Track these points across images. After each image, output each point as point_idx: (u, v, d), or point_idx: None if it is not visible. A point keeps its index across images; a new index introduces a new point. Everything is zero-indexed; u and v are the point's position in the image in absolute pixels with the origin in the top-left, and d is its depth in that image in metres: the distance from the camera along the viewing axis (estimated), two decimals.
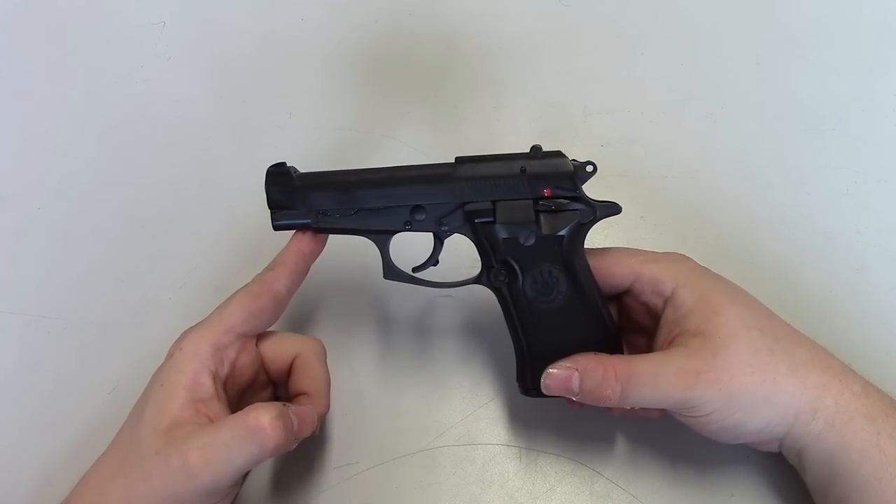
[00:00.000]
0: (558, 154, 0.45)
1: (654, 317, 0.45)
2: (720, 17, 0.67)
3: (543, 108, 0.62)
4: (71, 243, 0.57)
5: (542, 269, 0.44)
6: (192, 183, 0.60)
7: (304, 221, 0.46)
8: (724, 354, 0.40)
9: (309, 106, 0.59)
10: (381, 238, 0.46)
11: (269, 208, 0.46)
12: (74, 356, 0.53)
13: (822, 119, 0.62)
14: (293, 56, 0.66)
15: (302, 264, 0.46)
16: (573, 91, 0.63)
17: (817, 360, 0.42)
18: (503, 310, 0.46)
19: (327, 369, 0.46)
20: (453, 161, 0.46)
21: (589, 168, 0.44)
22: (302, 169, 0.47)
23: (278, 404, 0.40)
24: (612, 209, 0.45)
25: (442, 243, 0.47)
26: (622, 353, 0.45)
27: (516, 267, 0.44)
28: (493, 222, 0.45)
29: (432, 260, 0.47)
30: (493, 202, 0.45)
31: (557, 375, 0.42)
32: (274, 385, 0.47)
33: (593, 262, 0.45)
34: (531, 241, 0.44)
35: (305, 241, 0.46)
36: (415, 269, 0.47)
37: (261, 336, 0.46)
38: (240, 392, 0.45)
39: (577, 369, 0.42)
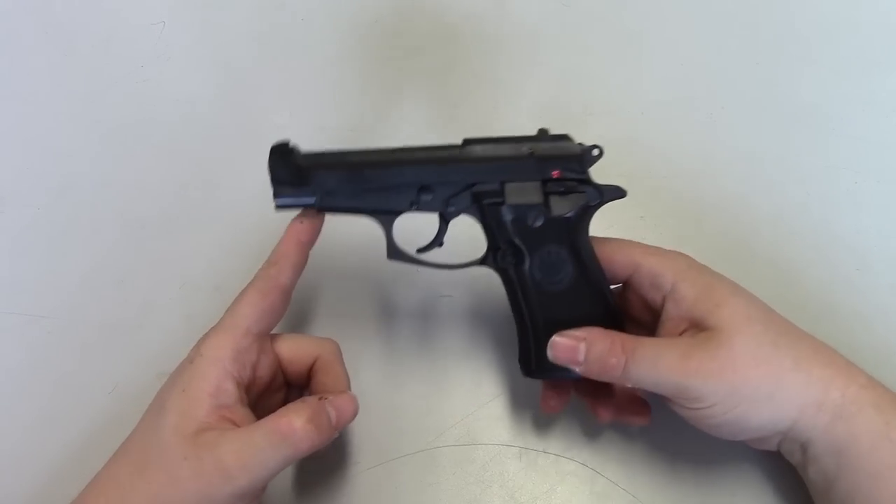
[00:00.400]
0: (565, 137, 0.46)
1: (653, 312, 0.45)
2: (720, 17, 0.67)
3: (544, 108, 0.62)
4: (71, 243, 0.57)
5: (548, 251, 0.44)
6: (192, 183, 0.60)
7: (308, 201, 0.45)
8: (729, 346, 0.40)
9: (309, 106, 0.59)
10: (386, 218, 0.46)
11: (273, 186, 0.45)
12: (74, 356, 0.53)
13: (822, 119, 0.62)
14: (293, 56, 0.66)
15: (302, 255, 0.45)
16: (573, 91, 0.63)
17: (820, 355, 0.42)
18: (507, 291, 0.46)
19: (346, 369, 0.46)
20: (460, 142, 0.46)
21: (595, 152, 0.45)
22: None
23: (313, 401, 0.40)
24: (617, 192, 0.45)
25: (447, 224, 0.47)
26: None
27: (523, 248, 0.45)
28: (502, 203, 0.45)
29: (437, 241, 0.47)
30: (502, 183, 0.45)
31: (564, 344, 0.42)
32: (287, 387, 0.47)
33: (596, 248, 0.45)
34: (539, 223, 0.44)
35: (304, 229, 0.45)
36: (419, 251, 0.47)
37: (277, 338, 0.46)
38: (258, 395, 0.45)
39: (584, 338, 0.42)
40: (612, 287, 0.46)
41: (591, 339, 0.42)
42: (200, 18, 0.68)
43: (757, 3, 0.68)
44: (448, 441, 0.49)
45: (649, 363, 0.40)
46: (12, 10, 0.69)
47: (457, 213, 0.46)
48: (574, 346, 0.42)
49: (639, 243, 0.46)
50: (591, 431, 0.49)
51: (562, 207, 0.44)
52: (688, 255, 0.45)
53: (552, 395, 0.47)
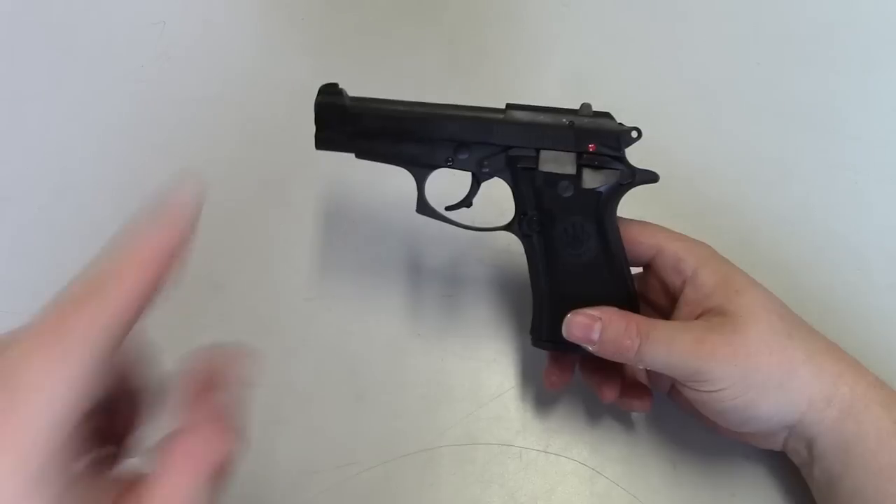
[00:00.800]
0: (607, 115, 0.46)
1: (670, 296, 0.46)
2: (720, 17, 0.67)
3: None
4: (71, 243, 0.57)
5: (574, 223, 0.45)
6: (192, 183, 0.60)
7: (348, 143, 0.46)
8: (744, 332, 0.40)
9: (309, 105, 0.58)
10: (421, 172, 0.47)
11: (316, 125, 0.46)
12: None
13: (822, 119, 0.62)
14: (293, 56, 0.66)
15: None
16: (573, 92, 0.63)
17: (831, 352, 0.42)
18: (528, 259, 0.47)
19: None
20: (504, 106, 0.46)
21: (634, 133, 0.45)
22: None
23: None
24: (650, 176, 0.46)
25: (479, 186, 0.47)
26: None
27: (550, 216, 0.45)
28: (535, 169, 0.45)
29: (467, 201, 0.48)
30: (538, 150, 0.45)
31: (580, 322, 0.42)
32: None
33: (622, 228, 0.46)
34: (569, 193, 0.45)
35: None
36: (448, 208, 0.48)
37: None
38: None
39: (600, 318, 0.42)
40: (633, 272, 0.47)
41: (606, 319, 0.42)
42: (200, 18, 0.68)
43: (757, 3, 0.68)
44: (448, 441, 0.49)
45: (663, 346, 0.41)
46: (12, 10, 0.69)
47: (490, 176, 0.47)
48: (590, 325, 0.42)
49: (664, 228, 0.47)
50: (592, 431, 0.49)
51: (594, 181, 0.45)
52: (710, 246, 0.46)
53: (555, 371, 0.47)
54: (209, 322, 0.53)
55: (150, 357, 0.30)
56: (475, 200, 0.48)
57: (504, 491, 0.48)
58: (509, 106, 0.47)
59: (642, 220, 0.47)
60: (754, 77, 0.64)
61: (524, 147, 0.46)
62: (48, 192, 0.59)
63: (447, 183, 0.48)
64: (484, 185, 0.48)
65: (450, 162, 0.46)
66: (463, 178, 0.48)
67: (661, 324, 0.42)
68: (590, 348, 0.42)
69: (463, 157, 0.46)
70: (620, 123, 0.46)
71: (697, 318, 0.43)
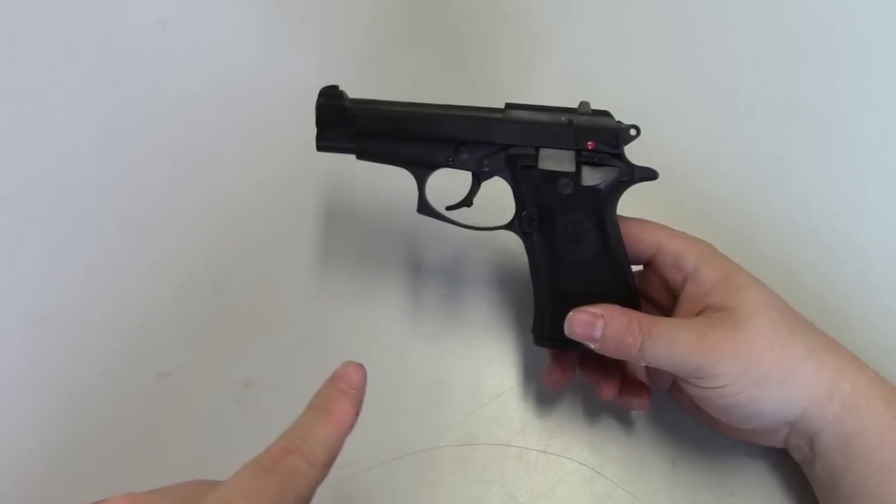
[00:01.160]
0: (605, 113, 0.46)
1: (671, 293, 0.46)
2: (720, 17, 0.67)
3: None
4: (71, 243, 0.57)
5: (574, 220, 0.45)
6: (192, 183, 0.60)
7: (349, 144, 0.47)
8: (746, 328, 0.41)
9: (309, 106, 0.59)
10: (421, 172, 0.47)
11: (317, 127, 0.47)
12: (74, 356, 0.53)
13: (822, 119, 0.62)
14: (293, 56, 0.66)
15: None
16: (573, 92, 0.63)
17: (832, 348, 0.42)
18: (529, 257, 0.47)
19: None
20: (504, 106, 0.47)
21: (633, 131, 0.46)
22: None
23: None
24: (650, 173, 0.46)
25: (480, 185, 0.48)
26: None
27: (549, 214, 0.45)
28: (535, 167, 0.46)
29: (467, 200, 0.48)
30: (537, 148, 0.46)
31: (582, 320, 0.42)
32: None
33: (622, 226, 0.46)
34: (568, 191, 0.45)
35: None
36: (448, 208, 0.48)
37: None
38: None
39: (602, 315, 0.42)
40: (634, 269, 0.47)
41: (608, 316, 0.42)
42: (200, 18, 0.68)
43: (757, 3, 0.68)
44: (448, 441, 0.49)
45: (665, 343, 0.41)
46: (12, 10, 0.69)
47: (490, 175, 0.47)
48: (592, 323, 0.42)
49: (664, 226, 0.47)
50: (592, 431, 0.49)
51: (593, 178, 0.45)
52: (710, 244, 0.46)
53: (557, 369, 0.47)
54: (209, 322, 0.53)
55: None
56: (476, 200, 0.48)
57: (504, 491, 0.48)
58: (508, 105, 0.47)
59: (643, 218, 0.48)
60: (754, 77, 0.64)
61: (524, 145, 0.46)
62: (48, 192, 0.59)
63: (448, 182, 0.48)
64: (484, 184, 0.48)
65: (450, 161, 0.47)
66: (463, 178, 0.48)
67: (662, 321, 0.42)
68: (592, 346, 0.42)
69: (463, 156, 0.46)
70: (619, 121, 0.46)
71: (698, 314, 0.43)
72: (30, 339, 0.53)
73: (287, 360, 0.52)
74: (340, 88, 0.47)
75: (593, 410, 0.50)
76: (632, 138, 0.46)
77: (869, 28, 0.66)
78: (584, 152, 0.45)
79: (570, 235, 0.45)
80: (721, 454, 0.48)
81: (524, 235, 0.47)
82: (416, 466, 0.49)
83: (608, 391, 0.46)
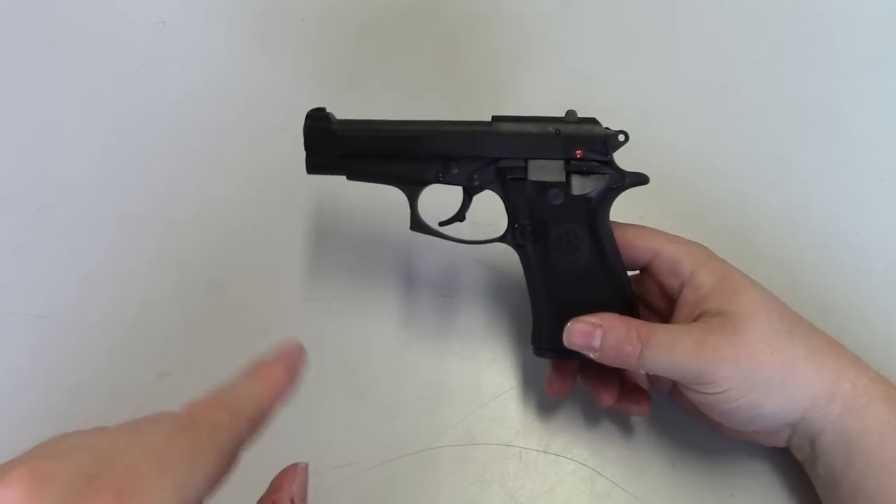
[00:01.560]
0: (592, 120, 0.46)
1: (669, 299, 0.46)
2: (720, 17, 0.67)
3: (543, 108, 0.62)
4: (71, 243, 0.57)
5: (567, 229, 0.45)
6: (191, 183, 0.60)
7: (338, 166, 0.47)
8: (745, 333, 0.40)
9: (309, 106, 0.59)
10: (412, 189, 0.47)
11: (306, 150, 0.47)
12: (74, 356, 0.53)
13: (822, 119, 0.62)
14: (293, 56, 0.66)
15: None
16: (573, 91, 0.63)
17: (832, 348, 0.42)
18: (524, 269, 0.47)
19: None
20: (490, 119, 0.47)
21: (621, 137, 0.45)
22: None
23: None
24: (640, 178, 0.46)
25: (471, 199, 0.48)
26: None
27: (542, 225, 0.45)
28: (524, 179, 0.46)
29: (460, 215, 0.48)
30: (526, 160, 0.46)
31: (580, 329, 0.42)
32: None
33: (617, 232, 0.46)
34: (559, 201, 0.45)
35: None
36: (441, 224, 0.48)
37: None
38: None
39: (600, 325, 0.42)
40: (630, 274, 0.47)
41: (607, 325, 0.42)
42: (200, 18, 0.68)
43: (757, 3, 0.68)
44: (448, 441, 0.49)
45: (664, 350, 0.41)
46: (12, 10, 0.69)
47: (480, 188, 0.47)
48: (590, 332, 0.42)
49: (660, 231, 0.47)
50: (592, 431, 0.49)
51: (583, 187, 0.45)
52: (707, 247, 0.46)
53: (557, 379, 0.47)
54: (209, 322, 0.53)
55: None
56: (468, 213, 0.48)
57: (504, 491, 0.48)
58: (495, 118, 0.47)
59: (639, 223, 0.47)
60: (754, 77, 0.64)
61: (512, 158, 0.46)
62: (48, 192, 0.59)
63: (440, 198, 0.48)
64: (476, 197, 0.48)
65: (440, 177, 0.47)
66: (455, 192, 0.48)
67: (661, 328, 0.42)
68: (591, 355, 0.42)
69: (453, 171, 0.46)
70: (607, 128, 0.46)
71: (696, 319, 0.43)
72: (30, 339, 0.53)
73: None
74: (328, 110, 0.47)
75: (593, 411, 0.50)
76: (620, 144, 0.46)
77: (869, 28, 0.66)
78: (573, 161, 0.45)
79: (563, 245, 0.45)
80: (721, 454, 0.48)
81: (518, 247, 0.47)
82: (416, 466, 0.49)
83: (607, 398, 0.46)
